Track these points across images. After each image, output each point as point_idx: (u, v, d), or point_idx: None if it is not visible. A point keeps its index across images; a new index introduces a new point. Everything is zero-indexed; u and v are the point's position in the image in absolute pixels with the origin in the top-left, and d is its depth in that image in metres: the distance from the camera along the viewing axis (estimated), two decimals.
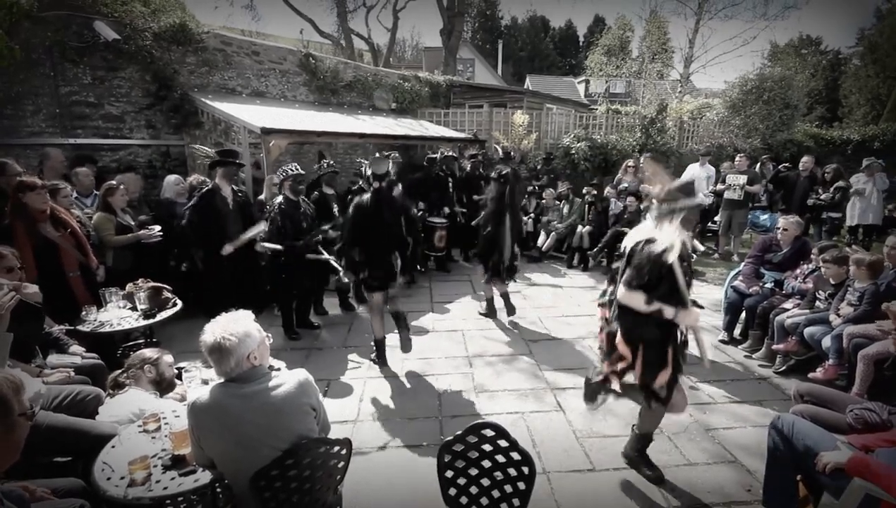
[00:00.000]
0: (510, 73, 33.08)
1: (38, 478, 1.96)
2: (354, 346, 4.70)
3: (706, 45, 16.15)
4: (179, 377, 2.79)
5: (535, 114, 10.71)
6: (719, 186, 8.10)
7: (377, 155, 6.15)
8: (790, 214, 5.46)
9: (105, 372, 2.99)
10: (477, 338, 4.94)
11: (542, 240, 8.01)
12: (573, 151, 9.71)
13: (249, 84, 8.07)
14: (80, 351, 3.21)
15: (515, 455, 1.88)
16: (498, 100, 11.99)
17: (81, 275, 3.79)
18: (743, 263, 5.15)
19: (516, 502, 1.90)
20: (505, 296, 5.31)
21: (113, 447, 2.13)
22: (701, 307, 4.23)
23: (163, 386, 2.68)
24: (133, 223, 4.57)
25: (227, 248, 4.46)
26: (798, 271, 4.62)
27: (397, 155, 7.29)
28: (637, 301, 2.47)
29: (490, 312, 5.49)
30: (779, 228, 4.90)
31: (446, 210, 7.10)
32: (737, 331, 4.89)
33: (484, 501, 1.96)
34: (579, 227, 7.65)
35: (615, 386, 2.76)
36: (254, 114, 6.35)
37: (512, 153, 8.51)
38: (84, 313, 3.53)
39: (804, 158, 8.17)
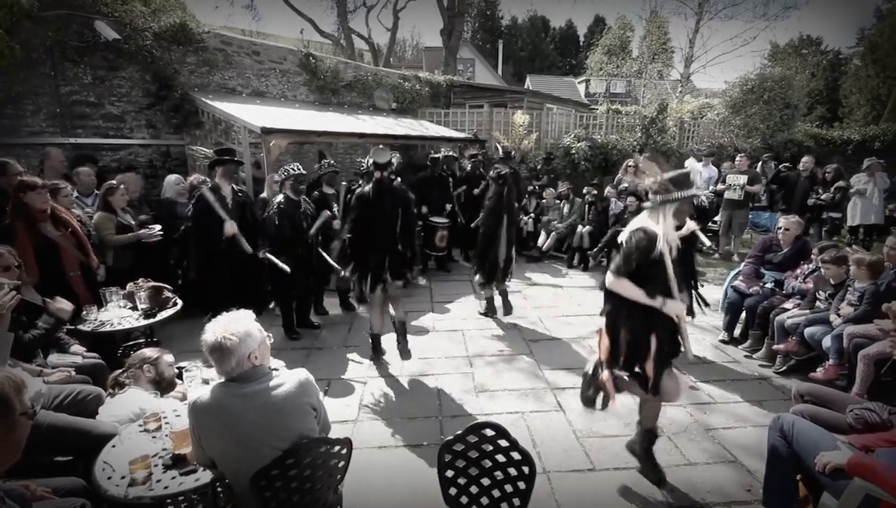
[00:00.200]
0: (510, 73, 33.08)
1: (39, 478, 1.97)
2: (355, 346, 4.71)
3: (706, 45, 16.21)
4: (180, 376, 2.79)
5: (536, 114, 10.71)
6: (719, 186, 8.10)
7: (379, 147, 6.13)
8: (790, 214, 5.46)
9: (106, 371, 2.99)
10: (477, 338, 4.94)
11: (543, 240, 8.01)
12: (573, 151, 9.71)
13: (250, 84, 8.08)
14: (80, 350, 3.22)
15: (516, 455, 1.88)
16: (498, 100, 11.99)
17: (82, 275, 3.79)
18: (743, 263, 5.15)
19: (516, 501, 1.90)
20: (503, 294, 5.31)
21: (114, 446, 2.13)
22: (707, 304, 4.27)
23: (163, 385, 2.68)
24: (133, 222, 4.57)
25: (229, 227, 4.36)
26: (798, 271, 4.62)
27: (397, 155, 7.30)
28: (624, 288, 2.48)
29: (489, 310, 5.49)
30: (779, 228, 4.90)
31: (448, 207, 7.10)
32: (737, 331, 4.89)
33: (484, 500, 1.96)
34: (579, 227, 7.65)
35: (607, 382, 2.73)
36: (254, 114, 6.35)
37: (512, 153, 8.50)
38: (84, 312, 3.53)
39: (804, 158, 8.17)
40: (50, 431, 2.18)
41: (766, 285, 4.74)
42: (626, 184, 7.67)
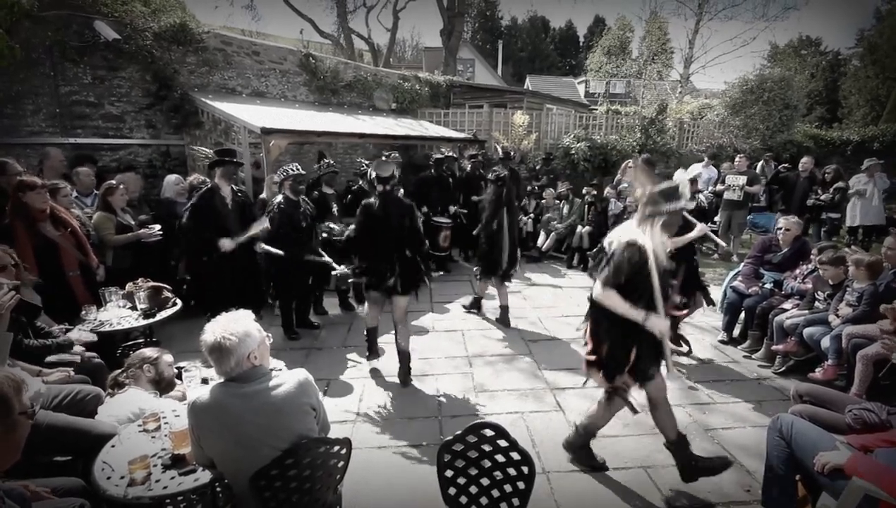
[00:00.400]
0: (510, 73, 33.08)
1: (38, 477, 1.96)
2: (354, 346, 4.71)
3: (706, 46, 16.18)
4: (179, 376, 2.79)
5: (535, 115, 10.72)
6: (719, 187, 8.11)
7: (384, 157, 6.13)
8: (790, 215, 5.47)
9: (105, 371, 2.99)
10: (477, 338, 4.94)
11: (542, 240, 8.02)
12: (573, 151, 9.71)
13: (249, 84, 8.08)
14: (79, 350, 3.21)
15: (515, 455, 1.89)
16: (498, 100, 12.00)
17: (81, 275, 3.79)
18: (742, 264, 5.16)
19: (516, 501, 1.91)
20: (504, 309, 5.29)
21: (113, 446, 2.13)
22: (712, 303, 4.29)
23: (162, 385, 2.68)
24: (133, 222, 4.58)
25: (226, 244, 4.35)
26: (797, 271, 4.62)
27: (397, 155, 7.30)
28: (611, 300, 2.51)
29: (474, 305, 5.49)
30: (779, 228, 4.91)
31: (452, 209, 7.11)
32: (736, 332, 4.89)
33: (483, 500, 1.96)
34: (579, 227, 7.66)
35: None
36: (254, 114, 6.35)
37: (512, 153, 8.51)
38: (84, 312, 3.53)
39: (804, 159, 8.18)
40: (49, 431, 2.18)
41: (766, 285, 4.74)
42: (625, 185, 7.67)
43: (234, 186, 4.70)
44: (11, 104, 5.81)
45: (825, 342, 3.82)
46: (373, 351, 4.26)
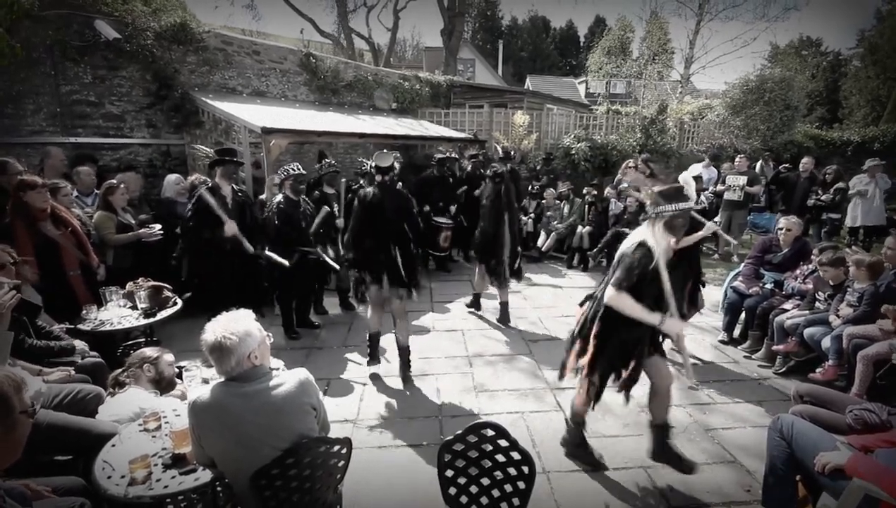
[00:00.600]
0: (511, 73, 33.06)
1: (38, 477, 1.97)
2: (354, 346, 4.71)
3: (706, 46, 16.14)
4: (180, 376, 2.79)
5: (536, 115, 10.72)
6: (719, 187, 8.11)
7: (383, 151, 6.11)
8: (790, 215, 5.46)
9: (105, 370, 2.99)
10: (477, 338, 4.94)
11: (542, 240, 8.02)
12: (573, 152, 9.71)
13: (250, 83, 8.08)
14: (81, 349, 3.21)
15: (515, 455, 1.89)
16: (498, 100, 11.99)
17: (82, 274, 3.79)
18: (743, 264, 5.16)
19: (516, 501, 1.91)
20: (503, 306, 5.28)
21: (113, 445, 2.13)
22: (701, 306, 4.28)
23: (163, 384, 2.68)
24: (133, 222, 4.58)
25: (230, 227, 4.37)
26: (798, 272, 4.62)
27: (398, 155, 7.30)
28: (625, 303, 2.49)
29: (474, 302, 5.49)
30: (780, 229, 4.91)
31: (452, 209, 7.11)
32: (736, 332, 4.89)
33: (484, 500, 1.96)
34: (579, 228, 7.66)
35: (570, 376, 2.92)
36: (254, 114, 6.35)
37: (512, 153, 8.51)
38: (84, 312, 3.54)
39: (804, 159, 8.18)
40: (50, 430, 2.18)
41: (766, 286, 4.74)
42: (625, 185, 7.67)
43: (234, 186, 4.70)
44: (12, 103, 5.81)
45: (826, 342, 3.82)
46: (374, 357, 4.19)
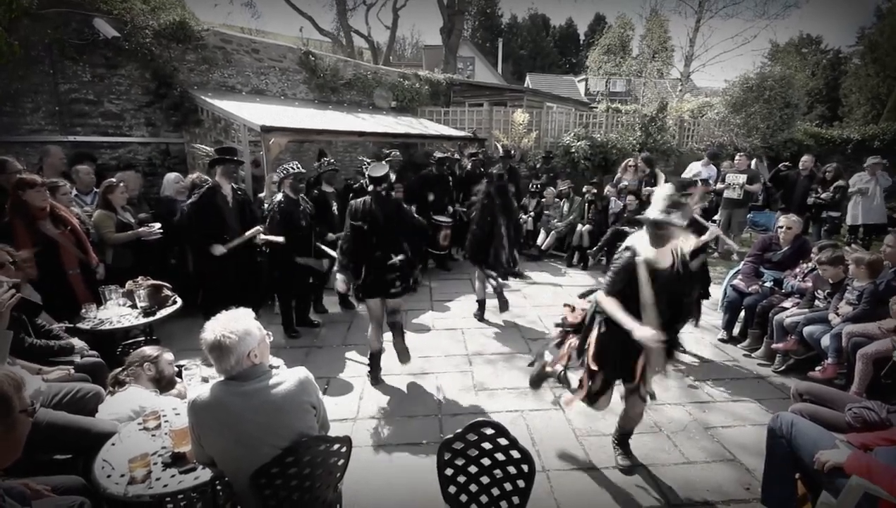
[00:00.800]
0: (510, 71, 33.02)
1: (38, 476, 1.97)
2: (354, 344, 4.71)
3: (707, 44, 16.15)
4: (180, 374, 2.79)
5: (536, 113, 10.70)
6: (719, 185, 8.10)
7: (384, 154, 6.10)
8: (790, 213, 5.46)
9: (105, 369, 2.99)
10: (477, 337, 4.94)
11: (542, 239, 8.02)
12: (573, 150, 9.70)
13: (249, 82, 8.06)
14: (80, 348, 3.20)
15: (515, 454, 1.89)
16: (498, 98, 11.97)
17: (81, 273, 3.79)
18: (742, 262, 5.16)
19: (516, 500, 1.91)
20: (499, 292, 5.26)
21: (113, 444, 2.13)
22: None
23: (162, 383, 2.68)
24: (133, 221, 4.57)
25: (219, 249, 4.33)
26: (797, 270, 4.62)
27: (397, 153, 7.29)
28: (608, 305, 2.54)
29: (480, 309, 5.45)
30: (780, 227, 4.91)
31: (451, 209, 7.10)
32: (736, 330, 4.89)
33: (483, 499, 1.96)
34: (579, 226, 7.65)
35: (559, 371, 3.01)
36: (254, 112, 6.34)
37: (512, 151, 8.50)
38: (84, 311, 3.54)
39: (804, 157, 8.17)
40: (49, 429, 2.18)
41: (766, 284, 4.74)
42: (625, 183, 7.67)
43: (234, 184, 4.70)
44: (11, 102, 5.80)
45: (825, 340, 3.82)
46: (376, 379, 4.02)
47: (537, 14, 39.83)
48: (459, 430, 1.95)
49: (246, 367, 1.82)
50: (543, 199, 8.29)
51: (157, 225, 4.60)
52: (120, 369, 2.68)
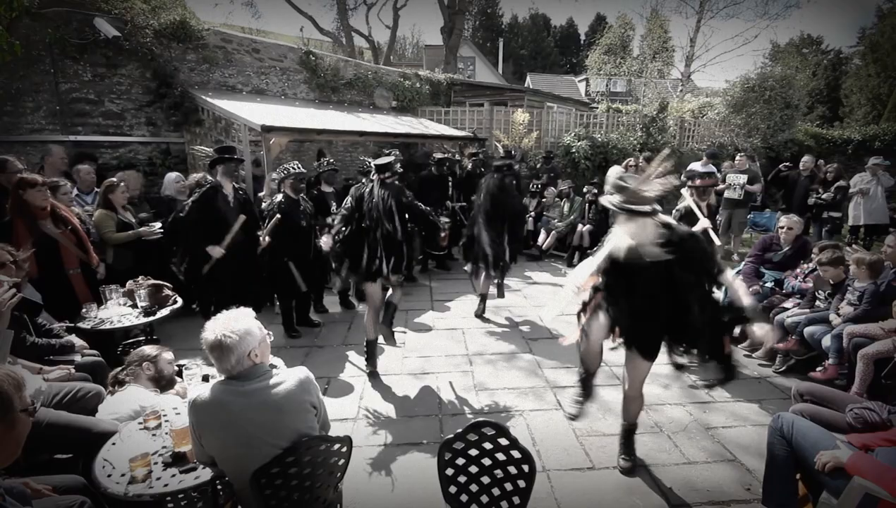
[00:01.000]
0: (511, 71, 33.02)
1: (39, 475, 1.97)
2: (354, 344, 4.70)
3: (707, 44, 16.22)
4: (180, 374, 2.79)
5: (536, 113, 10.70)
6: (719, 185, 8.10)
7: (385, 151, 6.09)
8: (791, 213, 5.46)
9: (105, 369, 2.99)
10: (477, 337, 4.94)
11: (543, 239, 8.02)
12: (574, 150, 9.70)
13: (250, 81, 8.07)
14: (80, 347, 3.21)
15: (515, 454, 1.88)
16: (498, 98, 11.97)
17: (82, 273, 3.79)
18: (743, 262, 5.15)
19: (516, 500, 1.91)
20: (499, 287, 5.27)
21: (113, 444, 2.13)
22: None
23: (162, 383, 2.68)
24: (134, 220, 4.57)
25: (217, 251, 4.29)
26: (798, 270, 4.62)
27: (398, 153, 7.28)
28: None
29: (480, 307, 5.45)
30: (781, 227, 4.90)
31: (450, 205, 7.10)
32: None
33: (484, 499, 1.96)
34: (580, 226, 7.65)
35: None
36: (254, 112, 6.34)
37: (513, 151, 8.50)
38: (84, 310, 3.54)
39: (804, 158, 8.17)
40: (50, 429, 2.18)
41: (766, 284, 4.74)
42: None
43: (235, 184, 4.69)
44: (11, 101, 5.81)
45: (826, 341, 3.82)
46: (372, 364, 4.10)
47: (538, 14, 39.88)
48: (460, 430, 1.94)
49: (246, 367, 1.82)
50: (544, 199, 8.29)
51: (158, 224, 4.60)
52: (120, 368, 2.68)
